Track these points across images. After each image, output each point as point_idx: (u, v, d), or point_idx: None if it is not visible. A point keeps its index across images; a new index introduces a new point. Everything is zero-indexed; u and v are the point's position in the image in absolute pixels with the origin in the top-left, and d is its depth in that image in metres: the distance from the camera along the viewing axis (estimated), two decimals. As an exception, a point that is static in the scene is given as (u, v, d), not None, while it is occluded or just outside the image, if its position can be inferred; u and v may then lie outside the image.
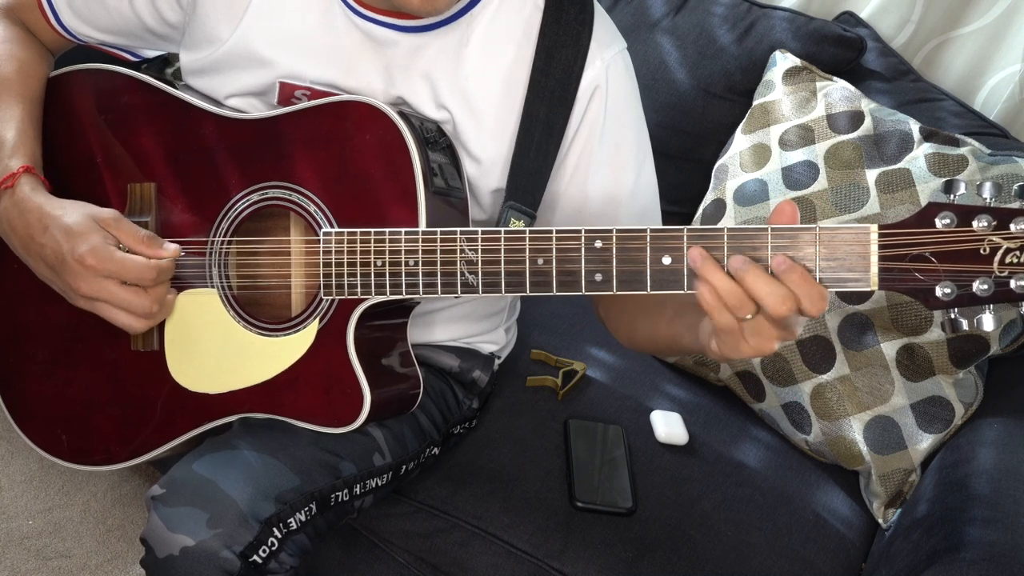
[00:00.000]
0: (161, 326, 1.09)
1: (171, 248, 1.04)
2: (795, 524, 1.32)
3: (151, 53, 1.27)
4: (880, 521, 1.38)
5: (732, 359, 0.86)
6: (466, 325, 1.28)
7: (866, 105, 1.50)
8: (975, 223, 0.78)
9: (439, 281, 0.95)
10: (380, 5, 1.05)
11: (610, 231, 0.88)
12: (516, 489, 1.27)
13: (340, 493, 1.07)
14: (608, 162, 1.10)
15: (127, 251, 1.01)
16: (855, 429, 1.39)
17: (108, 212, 1.03)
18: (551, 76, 1.06)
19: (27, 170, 1.06)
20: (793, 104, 1.55)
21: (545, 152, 1.07)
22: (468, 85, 1.07)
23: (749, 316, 0.82)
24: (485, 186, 1.10)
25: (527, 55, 1.07)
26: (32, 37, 1.21)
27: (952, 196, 0.80)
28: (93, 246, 0.99)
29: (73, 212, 1.02)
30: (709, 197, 1.60)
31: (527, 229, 0.91)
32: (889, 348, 1.38)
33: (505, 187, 1.08)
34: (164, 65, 1.27)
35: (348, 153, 1.01)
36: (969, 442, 1.33)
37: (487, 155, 1.08)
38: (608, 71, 1.08)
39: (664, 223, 0.89)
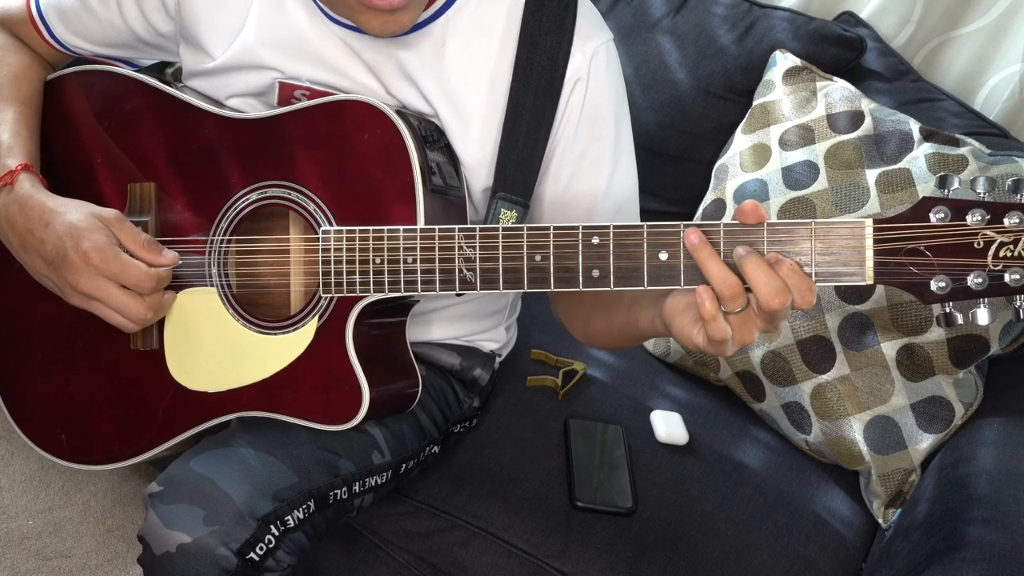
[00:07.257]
0: (160, 325, 1.09)
1: (170, 255, 1.04)
2: (795, 524, 1.31)
3: (148, 62, 1.28)
4: (880, 521, 1.38)
5: (707, 351, 0.87)
6: (465, 325, 1.28)
7: (866, 105, 1.50)
8: (969, 217, 0.78)
9: (437, 278, 0.95)
10: (348, 19, 1.04)
11: (607, 227, 0.88)
12: (516, 489, 1.27)
13: (338, 491, 1.07)
14: (583, 156, 1.09)
15: (128, 254, 1.02)
16: (855, 429, 1.39)
17: (110, 212, 1.04)
18: (536, 64, 1.05)
19: (25, 167, 1.06)
20: (793, 104, 1.55)
21: (534, 141, 1.06)
22: (452, 87, 1.07)
23: (738, 310, 0.83)
24: (475, 186, 1.10)
25: (510, 49, 1.06)
26: (24, 44, 1.21)
27: (946, 191, 0.80)
28: (97, 243, 1.00)
29: (76, 209, 1.03)
30: (709, 197, 1.60)
31: (524, 226, 0.91)
32: (889, 348, 1.38)
33: (492, 180, 1.08)
34: (164, 65, 1.27)
35: (347, 152, 1.01)
36: (969, 442, 1.33)
37: (475, 155, 1.08)
38: (590, 64, 1.07)
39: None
